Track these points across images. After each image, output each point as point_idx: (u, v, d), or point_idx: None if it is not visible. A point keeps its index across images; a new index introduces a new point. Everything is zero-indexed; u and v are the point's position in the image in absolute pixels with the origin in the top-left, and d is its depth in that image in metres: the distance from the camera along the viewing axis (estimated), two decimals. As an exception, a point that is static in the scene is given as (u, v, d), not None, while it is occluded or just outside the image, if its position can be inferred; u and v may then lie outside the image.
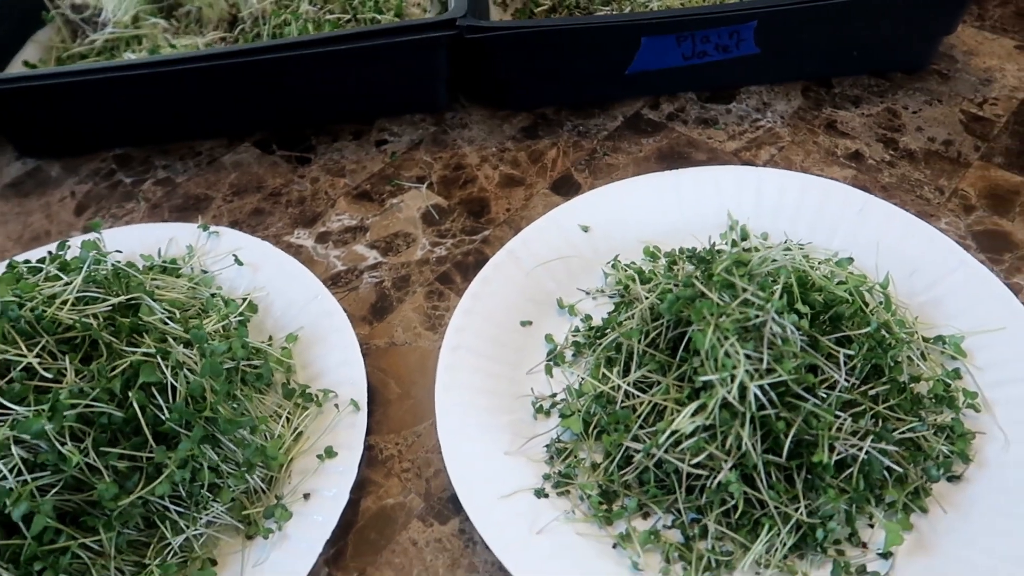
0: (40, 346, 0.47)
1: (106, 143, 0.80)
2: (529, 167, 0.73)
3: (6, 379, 0.46)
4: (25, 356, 0.47)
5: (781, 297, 0.47)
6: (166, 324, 0.52)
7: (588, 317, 0.60)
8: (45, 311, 0.48)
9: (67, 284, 0.50)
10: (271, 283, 0.62)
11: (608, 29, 0.70)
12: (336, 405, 0.54)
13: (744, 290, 0.48)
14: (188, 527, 0.48)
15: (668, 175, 0.67)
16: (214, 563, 0.49)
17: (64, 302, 0.49)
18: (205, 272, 0.63)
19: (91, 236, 0.62)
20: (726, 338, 0.46)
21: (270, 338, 0.59)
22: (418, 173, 0.74)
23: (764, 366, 0.46)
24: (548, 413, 0.55)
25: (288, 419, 0.54)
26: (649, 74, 0.75)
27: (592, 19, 0.74)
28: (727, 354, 0.45)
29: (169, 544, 0.48)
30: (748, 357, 0.46)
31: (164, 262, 0.62)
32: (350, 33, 0.71)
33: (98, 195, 0.75)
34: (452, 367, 0.55)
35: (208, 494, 0.49)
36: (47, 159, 0.79)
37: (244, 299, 0.60)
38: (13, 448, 0.44)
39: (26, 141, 0.79)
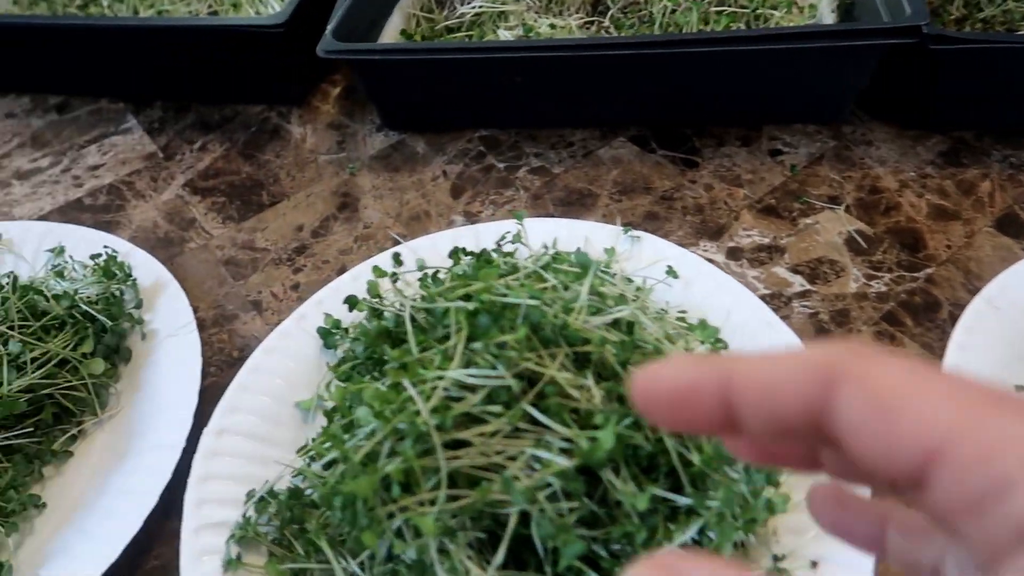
0: (559, 360, 0.43)
1: (471, 122, 0.76)
2: (961, 199, 0.65)
3: (533, 392, 0.42)
4: (547, 369, 0.42)
5: None
6: (660, 344, 0.47)
7: (1095, 390, 0.51)
8: (566, 320, 0.43)
9: (575, 291, 0.46)
10: (709, 302, 0.56)
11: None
12: (832, 460, 0.47)
13: None
14: (688, 580, 0.43)
15: None
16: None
17: (580, 311, 0.44)
18: (630, 280, 0.58)
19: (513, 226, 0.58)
20: None
21: (713, 365, 0.53)
22: (827, 192, 0.67)
23: None
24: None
25: (769, 466, 0.48)
26: (1105, 106, 0.65)
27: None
28: None
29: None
30: None
31: (601, 267, 0.57)
32: (790, 32, 0.64)
33: (472, 178, 0.71)
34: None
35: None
36: (410, 133, 0.76)
37: (685, 319, 0.54)
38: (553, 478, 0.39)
39: (393, 113, 0.76)
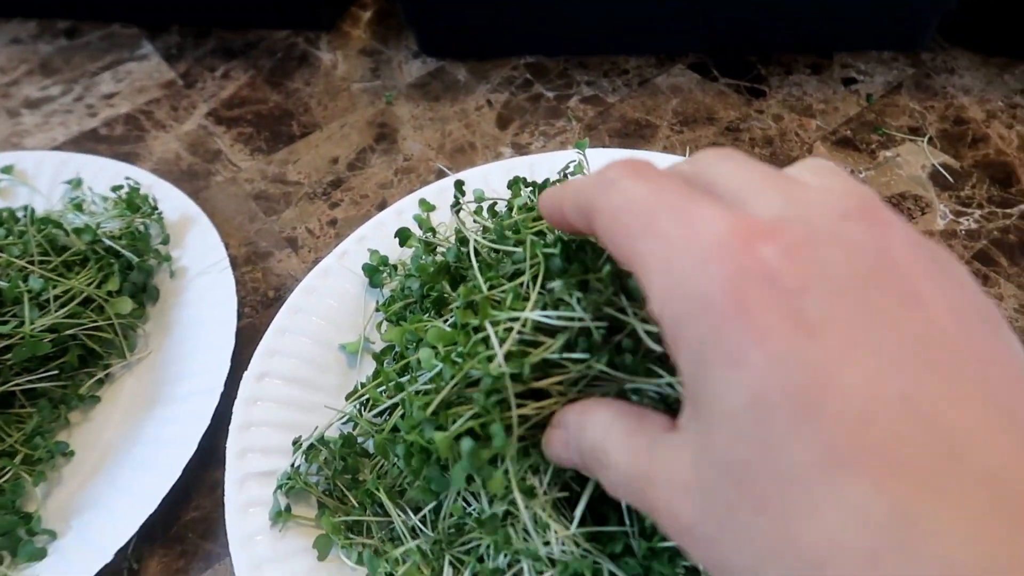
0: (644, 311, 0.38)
1: (516, 48, 0.70)
2: (1055, 131, 0.60)
3: (615, 341, 0.37)
4: (629, 319, 0.38)
5: None
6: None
7: None
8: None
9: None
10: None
11: None
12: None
13: None
14: None
15: None
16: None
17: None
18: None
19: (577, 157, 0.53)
20: None
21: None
22: (908, 123, 0.61)
23: None
24: None
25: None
26: None
27: None
28: None
29: None
30: None
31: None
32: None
33: (519, 108, 0.66)
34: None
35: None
36: (450, 60, 0.70)
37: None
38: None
39: (433, 38, 0.70)
